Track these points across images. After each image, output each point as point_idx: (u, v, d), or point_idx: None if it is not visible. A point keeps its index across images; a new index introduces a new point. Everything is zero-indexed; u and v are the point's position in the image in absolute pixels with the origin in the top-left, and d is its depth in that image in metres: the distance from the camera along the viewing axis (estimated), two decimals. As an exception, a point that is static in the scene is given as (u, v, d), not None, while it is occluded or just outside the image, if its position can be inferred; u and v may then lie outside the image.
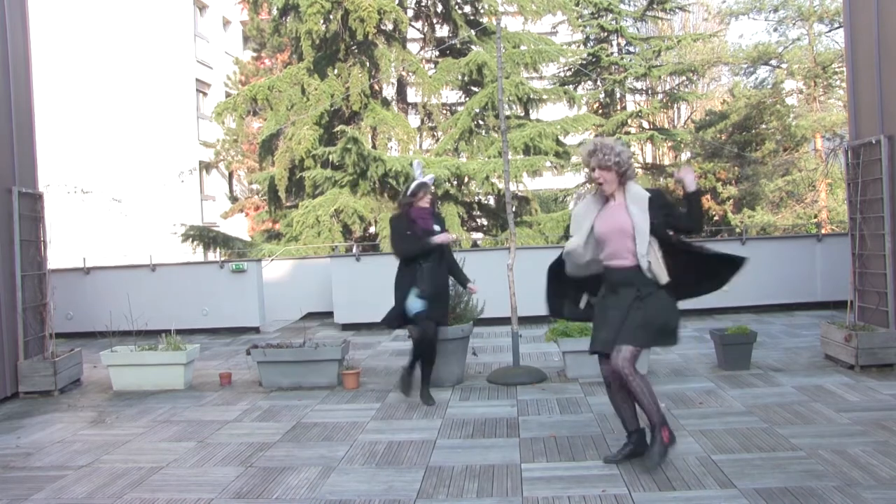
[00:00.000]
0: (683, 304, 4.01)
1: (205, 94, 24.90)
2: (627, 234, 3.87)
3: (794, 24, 21.99)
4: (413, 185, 5.64)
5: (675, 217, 3.95)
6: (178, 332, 7.27)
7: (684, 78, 20.74)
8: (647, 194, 3.93)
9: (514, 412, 5.31)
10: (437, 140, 15.42)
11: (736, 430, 4.58)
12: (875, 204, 6.45)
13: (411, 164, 5.20)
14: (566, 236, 13.97)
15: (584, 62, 19.46)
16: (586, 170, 4.07)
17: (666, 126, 23.49)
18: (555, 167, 14.97)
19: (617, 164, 3.91)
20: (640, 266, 3.86)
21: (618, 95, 20.10)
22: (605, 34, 20.02)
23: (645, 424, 4.05)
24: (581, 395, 5.74)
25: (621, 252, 3.91)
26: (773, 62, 22.41)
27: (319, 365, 6.36)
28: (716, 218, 19.55)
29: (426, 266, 5.51)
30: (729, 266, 4.00)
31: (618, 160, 3.90)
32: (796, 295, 9.78)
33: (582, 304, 4.28)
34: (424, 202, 5.63)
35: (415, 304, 5.49)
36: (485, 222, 15.97)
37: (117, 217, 18.89)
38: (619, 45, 20.33)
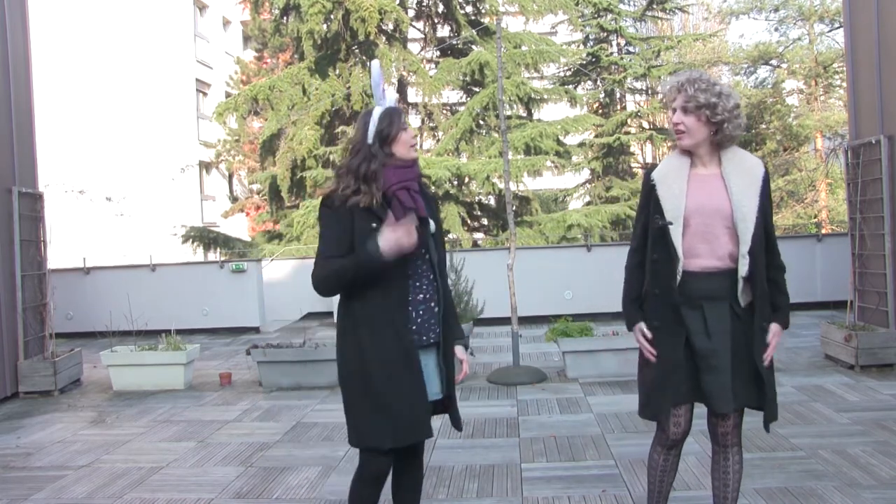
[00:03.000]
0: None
1: (205, 94, 24.89)
2: (725, 220, 2.55)
3: (794, 23, 22.04)
4: (378, 113, 2.55)
5: (766, 232, 2.62)
6: (178, 332, 7.28)
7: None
8: (762, 166, 2.62)
9: (514, 412, 5.31)
10: (438, 140, 15.42)
11: (736, 430, 4.58)
12: (875, 204, 6.45)
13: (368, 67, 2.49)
14: (565, 237, 13.95)
15: (584, 62, 19.46)
16: (668, 112, 2.68)
17: (666, 126, 23.47)
18: (555, 167, 14.97)
19: (710, 108, 2.52)
20: (737, 271, 2.56)
21: (618, 95, 20.09)
22: (605, 34, 20.01)
23: None
24: (581, 395, 5.74)
25: (710, 246, 2.57)
26: (774, 62, 22.43)
27: (319, 365, 6.35)
28: None
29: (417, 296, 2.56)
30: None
31: (714, 101, 2.52)
32: (796, 295, 9.61)
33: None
34: (410, 147, 2.59)
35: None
36: (485, 222, 15.97)
37: (117, 217, 18.88)
38: (618, 45, 20.32)
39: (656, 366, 2.64)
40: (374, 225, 2.44)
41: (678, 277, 2.57)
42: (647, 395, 2.70)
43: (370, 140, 2.50)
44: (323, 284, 2.49)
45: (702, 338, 2.56)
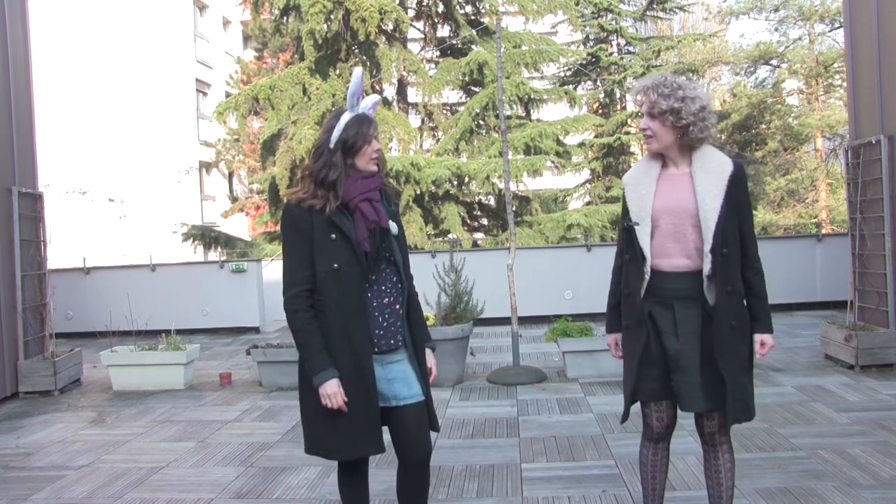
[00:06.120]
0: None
1: (205, 94, 24.89)
2: (692, 219, 2.57)
3: (794, 23, 22.02)
4: (346, 120, 2.51)
5: (741, 233, 2.59)
6: (178, 332, 7.27)
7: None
8: (731, 165, 2.59)
9: (514, 412, 5.31)
10: (438, 140, 15.42)
11: (736, 430, 4.52)
12: (875, 204, 6.44)
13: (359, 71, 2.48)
14: (565, 237, 13.95)
15: (584, 62, 19.45)
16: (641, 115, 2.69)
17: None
18: (555, 167, 14.97)
19: (674, 114, 2.53)
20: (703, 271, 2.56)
21: (617, 95, 20.09)
22: (605, 34, 20.01)
23: None
24: (581, 395, 5.74)
25: (681, 246, 2.60)
26: (774, 62, 22.42)
27: (319, 365, 6.33)
28: None
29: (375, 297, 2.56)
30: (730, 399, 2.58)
31: (677, 107, 2.52)
32: (796, 295, 9.75)
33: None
34: (371, 161, 2.55)
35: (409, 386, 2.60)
36: (485, 222, 15.97)
37: (117, 217, 18.89)
38: (618, 45, 20.32)
39: (625, 365, 2.76)
40: (333, 236, 2.45)
41: (646, 278, 2.63)
42: (624, 395, 2.80)
43: (332, 146, 2.49)
44: (290, 323, 2.51)
45: (671, 338, 2.60)
